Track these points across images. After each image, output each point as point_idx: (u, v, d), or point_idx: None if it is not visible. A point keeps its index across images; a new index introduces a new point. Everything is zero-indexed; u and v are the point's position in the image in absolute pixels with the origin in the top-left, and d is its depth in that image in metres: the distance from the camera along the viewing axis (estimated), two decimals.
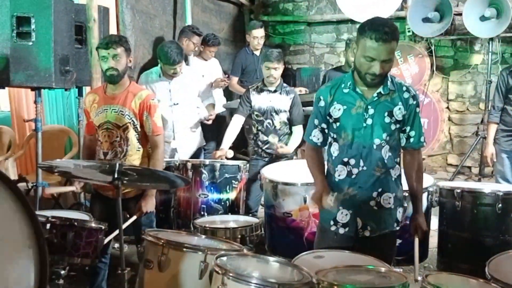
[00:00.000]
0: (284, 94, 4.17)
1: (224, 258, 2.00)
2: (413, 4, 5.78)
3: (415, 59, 6.12)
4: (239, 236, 2.83)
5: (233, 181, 3.77)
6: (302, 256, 2.27)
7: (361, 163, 2.39)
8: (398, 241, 3.25)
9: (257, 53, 5.54)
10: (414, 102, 2.40)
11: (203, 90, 4.67)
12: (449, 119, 6.55)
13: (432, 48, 6.17)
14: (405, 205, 3.19)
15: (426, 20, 5.73)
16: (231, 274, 1.84)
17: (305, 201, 3.30)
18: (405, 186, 3.21)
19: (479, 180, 5.32)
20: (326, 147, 2.56)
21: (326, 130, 2.50)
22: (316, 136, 2.52)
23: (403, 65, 6.17)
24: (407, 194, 3.15)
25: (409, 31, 6.09)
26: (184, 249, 2.16)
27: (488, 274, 2.09)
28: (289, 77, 6.48)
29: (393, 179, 2.45)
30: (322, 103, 2.46)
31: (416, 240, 2.37)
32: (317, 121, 2.50)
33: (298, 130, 4.17)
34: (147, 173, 2.51)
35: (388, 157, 2.40)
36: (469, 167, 6.45)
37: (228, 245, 2.37)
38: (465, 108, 6.47)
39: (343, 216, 2.46)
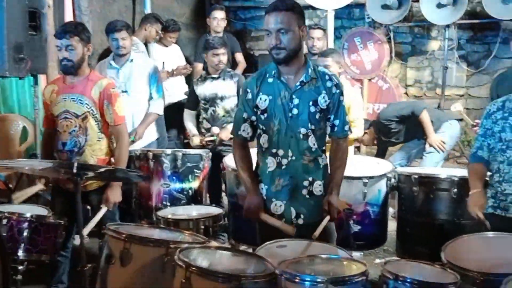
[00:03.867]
0: (228, 79, 4.18)
1: (187, 252, 2.00)
2: None
3: (375, 46, 6.19)
4: (203, 227, 2.83)
5: (195, 170, 3.75)
6: (265, 246, 2.28)
7: (290, 153, 2.42)
8: (358, 227, 3.35)
9: (218, 36, 5.48)
10: (338, 91, 2.43)
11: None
12: None
13: (391, 34, 6.26)
14: (365, 190, 3.29)
15: (385, 7, 5.82)
16: (194, 268, 1.84)
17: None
18: (364, 172, 3.32)
19: None
20: (258, 140, 2.54)
21: (255, 123, 2.49)
22: (245, 131, 2.50)
23: (362, 51, 6.24)
24: (367, 181, 3.27)
25: (368, 18, 6.16)
26: (146, 244, 2.14)
27: (444, 259, 2.17)
28: (251, 64, 6.47)
29: (321, 166, 2.48)
30: (249, 95, 2.46)
31: (326, 218, 2.37)
32: (246, 114, 2.48)
33: None
34: (105, 173, 2.47)
35: (315, 145, 2.43)
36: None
37: (192, 237, 2.36)
38: (423, 93, 6.62)
39: (278, 207, 2.48)
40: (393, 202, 3.66)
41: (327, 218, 2.39)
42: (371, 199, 3.35)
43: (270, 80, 2.43)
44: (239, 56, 5.84)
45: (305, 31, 2.40)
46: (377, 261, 4.07)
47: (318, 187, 2.47)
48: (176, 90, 5.30)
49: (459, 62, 6.25)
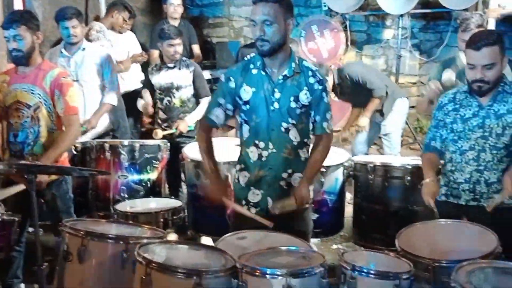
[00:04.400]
0: (184, 68, 4.13)
1: (147, 247, 1.98)
2: None
3: (331, 34, 6.26)
4: (162, 220, 2.81)
5: (153, 161, 3.72)
6: (225, 238, 2.29)
7: (270, 146, 2.42)
8: (316, 215, 3.41)
9: (175, 23, 5.39)
10: (320, 87, 2.42)
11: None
12: None
13: (347, 23, 6.34)
14: (322, 179, 3.36)
15: None
16: (154, 264, 1.83)
17: (227, 179, 3.32)
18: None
19: None
20: (240, 129, 2.54)
21: (230, 112, 2.49)
22: (217, 115, 2.48)
23: (319, 39, 6.30)
24: (324, 170, 3.33)
25: (325, 6, 6.21)
26: (105, 240, 2.11)
27: (398, 246, 2.25)
28: (208, 52, 6.42)
29: (302, 159, 2.49)
30: (232, 84, 2.44)
31: (292, 202, 2.37)
32: (223, 100, 2.46)
33: (205, 102, 4.15)
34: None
35: (296, 139, 2.44)
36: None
37: (151, 231, 2.34)
38: None
39: (254, 196, 2.50)
40: (350, 188, 3.75)
41: (293, 202, 2.37)
42: (328, 188, 3.42)
43: (254, 71, 2.42)
44: (196, 48, 5.77)
45: (292, 24, 2.37)
46: (334, 246, 4.18)
47: (297, 179, 2.47)
48: (132, 79, 5.19)
49: (412, 50, 6.43)
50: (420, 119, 6.53)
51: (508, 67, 2.86)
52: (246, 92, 2.42)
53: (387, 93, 4.45)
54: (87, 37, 4.40)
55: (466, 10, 5.60)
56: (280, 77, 2.39)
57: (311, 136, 2.53)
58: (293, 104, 2.39)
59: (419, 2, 5.76)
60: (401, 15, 6.04)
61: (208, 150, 2.52)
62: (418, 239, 2.33)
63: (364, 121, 4.43)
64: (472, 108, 2.55)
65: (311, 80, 2.42)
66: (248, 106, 2.43)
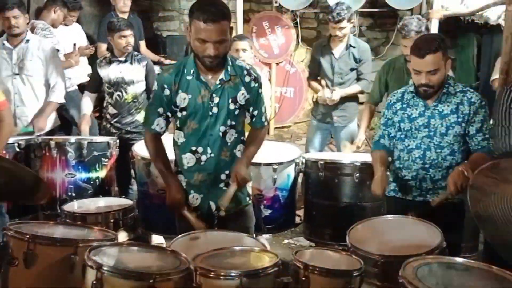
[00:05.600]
0: (136, 63, 4.04)
1: (98, 250, 1.92)
2: None
3: (282, 30, 6.30)
4: (112, 221, 2.74)
5: (102, 158, 3.62)
6: (178, 239, 2.27)
7: (209, 150, 2.43)
8: (268, 211, 3.45)
9: (124, 16, 5.26)
10: (257, 85, 2.46)
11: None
12: None
13: (298, 20, 6.39)
14: (275, 176, 3.39)
15: None
16: (105, 268, 1.78)
17: None
18: (273, 158, 3.41)
19: None
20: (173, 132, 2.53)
21: (170, 118, 2.48)
22: (159, 125, 2.46)
23: (270, 36, 6.32)
24: (276, 167, 3.36)
25: (276, 3, 6.23)
26: (53, 244, 2.03)
27: (348, 242, 2.30)
28: (158, 45, 6.31)
29: (238, 158, 2.51)
30: (167, 92, 2.40)
31: (233, 187, 2.40)
32: (162, 109, 2.43)
33: None
34: None
35: (233, 140, 2.46)
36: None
37: (101, 233, 2.28)
38: None
39: (194, 199, 2.51)
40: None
41: (234, 186, 2.40)
42: (280, 184, 3.45)
43: (189, 77, 2.39)
44: (142, 45, 5.67)
45: (231, 31, 2.35)
46: (285, 241, 4.24)
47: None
48: (78, 72, 5.03)
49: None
50: None
51: None
52: (182, 99, 2.39)
53: None
54: None
55: (411, 10, 5.80)
56: (217, 82, 2.38)
57: (246, 133, 2.58)
58: (231, 106, 2.41)
59: (367, 1, 5.89)
60: None
61: (159, 159, 2.51)
62: (368, 235, 2.39)
63: (336, 94, 4.31)
64: (419, 108, 2.65)
65: (247, 79, 2.43)
66: (184, 113, 2.41)
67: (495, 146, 2.39)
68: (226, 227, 2.46)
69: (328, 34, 4.49)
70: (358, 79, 4.39)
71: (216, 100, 2.38)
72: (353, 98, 4.45)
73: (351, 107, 4.48)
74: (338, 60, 4.35)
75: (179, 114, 2.42)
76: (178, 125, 2.46)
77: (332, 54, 4.37)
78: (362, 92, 4.47)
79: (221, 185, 2.50)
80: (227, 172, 2.48)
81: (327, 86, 4.36)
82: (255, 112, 2.50)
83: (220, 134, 2.42)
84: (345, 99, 4.35)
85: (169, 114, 2.45)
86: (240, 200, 2.56)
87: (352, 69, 4.37)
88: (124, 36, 3.94)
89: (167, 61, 5.98)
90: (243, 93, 2.42)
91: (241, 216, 2.58)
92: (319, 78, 4.48)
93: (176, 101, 2.40)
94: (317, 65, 4.44)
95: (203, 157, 2.44)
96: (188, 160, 2.46)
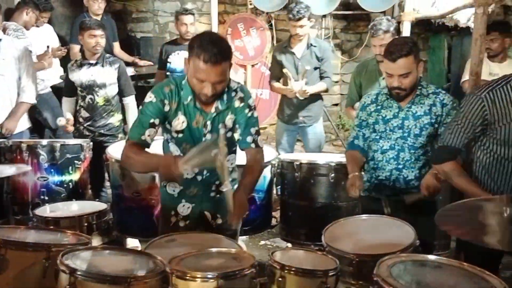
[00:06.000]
0: (107, 66, 3.98)
1: (71, 255, 1.89)
2: None
3: (257, 32, 6.31)
4: (86, 224, 2.69)
5: (75, 161, 3.57)
6: (154, 242, 2.25)
7: (204, 172, 2.42)
8: None
9: (98, 18, 5.20)
10: (241, 104, 2.39)
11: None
12: None
13: (272, 21, 6.42)
14: None
15: None
16: (79, 273, 1.75)
17: (154, 180, 3.27)
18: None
19: None
20: (166, 145, 2.49)
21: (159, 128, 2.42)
22: (151, 136, 2.34)
23: (245, 38, 6.33)
24: None
25: (251, 5, 6.24)
26: (24, 248, 1.98)
27: (324, 242, 2.32)
28: (132, 46, 6.26)
29: (229, 169, 2.48)
30: (167, 107, 2.32)
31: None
32: (157, 120, 2.33)
33: (130, 101, 4.08)
34: None
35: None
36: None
37: (75, 237, 2.24)
38: None
39: (185, 208, 2.50)
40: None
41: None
42: (257, 186, 3.44)
43: (185, 102, 2.33)
44: (116, 46, 5.62)
45: (231, 67, 2.29)
46: (262, 242, 4.24)
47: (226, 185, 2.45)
48: (51, 74, 4.95)
49: (334, 50, 6.63)
50: (342, 117, 6.77)
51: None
52: (181, 122, 2.35)
53: None
54: None
55: (383, 13, 5.88)
56: (213, 110, 2.34)
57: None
58: (222, 131, 2.37)
59: (341, 3, 5.96)
60: (324, 16, 6.22)
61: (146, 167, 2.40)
62: (343, 234, 2.42)
63: (297, 85, 4.28)
64: (393, 110, 2.69)
65: (236, 101, 2.38)
66: (180, 135, 2.38)
67: (443, 135, 2.43)
68: (214, 230, 2.47)
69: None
70: (321, 77, 4.43)
71: (209, 127, 2.35)
72: (317, 97, 4.48)
73: (316, 106, 4.52)
74: (300, 59, 4.39)
75: (174, 135, 2.38)
76: (174, 142, 2.42)
77: (294, 54, 4.41)
78: (326, 90, 4.50)
79: (212, 194, 2.50)
80: (217, 182, 2.46)
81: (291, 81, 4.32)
82: (239, 132, 2.42)
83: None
84: (310, 99, 4.38)
85: (160, 125, 2.39)
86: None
87: (315, 68, 4.41)
88: (94, 36, 3.88)
89: (142, 62, 5.94)
90: (230, 118, 2.38)
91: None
92: (281, 81, 4.50)
93: (172, 121, 2.35)
94: (279, 67, 4.46)
95: (199, 177, 2.44)
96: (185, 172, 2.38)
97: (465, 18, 5.40)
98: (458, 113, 2.39)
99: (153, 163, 2.26)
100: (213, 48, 2.13)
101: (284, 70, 4.34)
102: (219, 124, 2.38)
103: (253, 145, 2.43)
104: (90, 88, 3.94)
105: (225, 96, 2.35)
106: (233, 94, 2.39)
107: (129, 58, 5.85)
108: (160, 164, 2.20)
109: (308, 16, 4.30)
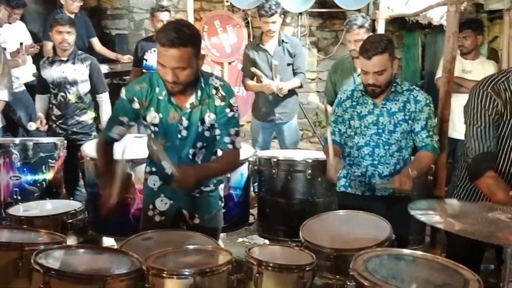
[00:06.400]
0: (79, 63, 3.93)
1: (45, 254, 1.87)
2: None
3: (234, 29, 6.31)
4: (60, 223, 2.65)
5: (49, 160, 3.52)
6: (130, 240, 2.24)
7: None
8: (222, 210, 3.44)
9: (72, 15, 5.10)
10: (222, 104, 2.32)
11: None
12: None
13: (249, 19, 6.42)
14: (229, 175, 3.38)
15: None
16: (53, 272, 1.73)
17: (130, 178, 3.24)
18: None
19: None
20: (149, 136, 2.46)
21: (132, 124, 2.41)
22: (118, 133, 2.36)
23: (222, 35, 6.31)
24: None
25: (227, 2, 6.23)
26: None
27: (301, 238, 2.34)
28: (108, 43, 6.17)
29: None
30: (136, 105, 2.31)
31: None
32: (125, 119, 2.34)
33: (103, 99, 4.04)
34: None
35: (202, 158, 2.43)
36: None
37: (49, 236, 2.21)
38: None
39: (162, 204, 2.48)
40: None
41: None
42: (234, 183, 3.45)
43: (160, 97, 2.30)
44: (96, 42, 5.53)
45: (203, 59, 2.25)
46: (240, 240, 4.24)
47: (207, 184, 2.49)
48: (23, 72, 4.85)
49: (310, 48, 6.67)
50: (319, 114, 6.82)
51: None
52: (154, 117, 2.33)
53: None
54: None
55: (359, 11, 5.93)
56: (188, 105, 2.31)
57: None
58: (200, 128, 2.35)
59: (316, 1, 5.99)
60: (300, 13, 6.25)
61: (105, 159, 2.43)
62: (320, 230, 2.44)
63: (273, 84, 4.27)
64: (368, 106, 2.71)
65: (216, 99, 2.32)
66: (156, 129, 2.36)
67: (470, 146, 2.30)
68: (195, 227, 2.46)
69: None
70: (294, 73, 4.44)
71: (186, 123, 2.32)
72: (292, 93, 4.48)
73: (291, 103, 4.53)
74: (273, 56, 4.40)
75: (151, 128, 2.36)
76: (153, 136, 2.39)
77: (266, 51, 4.43)
78: (301, 86, 4.52)
79: (192, 193, 2.47)
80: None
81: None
82: (217, 131, 2.35)
83: (190, 156, 2.37)
84: (285, 96, 4.38)
85: (131, 123, 2.38)
86: (214, 205, 2.55)
87: (288, 64, 4.42)
88: (60, 32, 3.82)
89: (125, 57, 5.79)
90: (209, 116, 2.33)
91: (213, 220, 2.56)
92: (254, 79, 4.50)
93: (146, 117, 2.33)
94: (252, 65, 4.45)
95: None
96: (167, 167, 2.38)
97: (438, 16, 5.49)
98: (470, 117, 2.29)
99: (99, 164, 2.41)
100: (172, 32, 2.09)
101: (253, 69, 4.35)
102: (198, 122, 2.34)
103: (230, 146, 2.36)
104: (61, 85, 3.89)
105: (199, 92, 2.31)
106: (213, 91, 2.33)
107: (112, 55, 5.76)
108: (104, 187, 2.32)
109: (280, 12, 4.32)
